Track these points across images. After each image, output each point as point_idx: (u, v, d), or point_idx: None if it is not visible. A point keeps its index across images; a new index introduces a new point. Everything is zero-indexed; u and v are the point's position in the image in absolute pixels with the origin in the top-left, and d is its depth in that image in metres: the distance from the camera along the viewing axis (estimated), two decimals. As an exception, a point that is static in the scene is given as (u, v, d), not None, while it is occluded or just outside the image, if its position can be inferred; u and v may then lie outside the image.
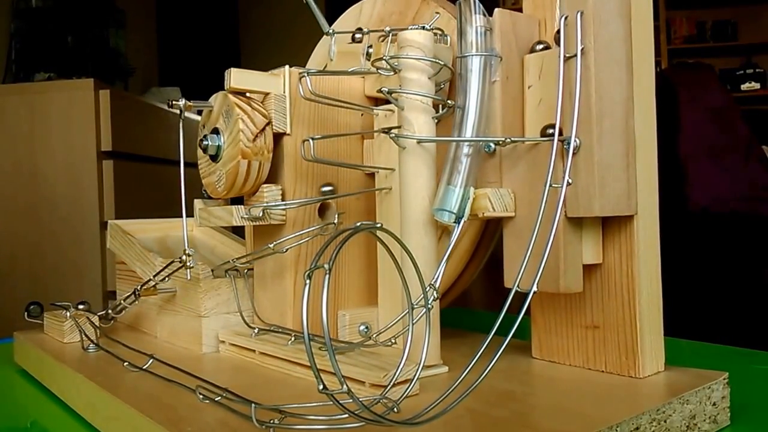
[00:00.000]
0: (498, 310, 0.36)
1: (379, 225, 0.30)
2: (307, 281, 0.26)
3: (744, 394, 0.44)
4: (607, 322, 0.42)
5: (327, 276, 0.26)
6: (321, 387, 0.26)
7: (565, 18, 0.40)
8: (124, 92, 1.77)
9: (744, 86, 3.61)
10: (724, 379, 0.40)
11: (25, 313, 0.62)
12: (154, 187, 1.67)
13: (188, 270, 0.48)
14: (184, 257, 0.47)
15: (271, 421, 0.32)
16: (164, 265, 0.54)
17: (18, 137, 1.50)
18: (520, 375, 0.43)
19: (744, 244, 1.55)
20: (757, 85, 3.62)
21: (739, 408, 0.41)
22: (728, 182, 1.69)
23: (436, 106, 0.44)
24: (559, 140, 0.39)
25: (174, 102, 0.46)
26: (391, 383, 0.35)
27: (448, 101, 0.44)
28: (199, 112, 0.51)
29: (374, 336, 0.43)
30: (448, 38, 0.48)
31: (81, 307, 0.57)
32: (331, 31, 0.53)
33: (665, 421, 0.36)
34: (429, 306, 0.37)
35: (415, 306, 0.36)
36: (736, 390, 0.41)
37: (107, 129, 1.48)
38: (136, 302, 0.56)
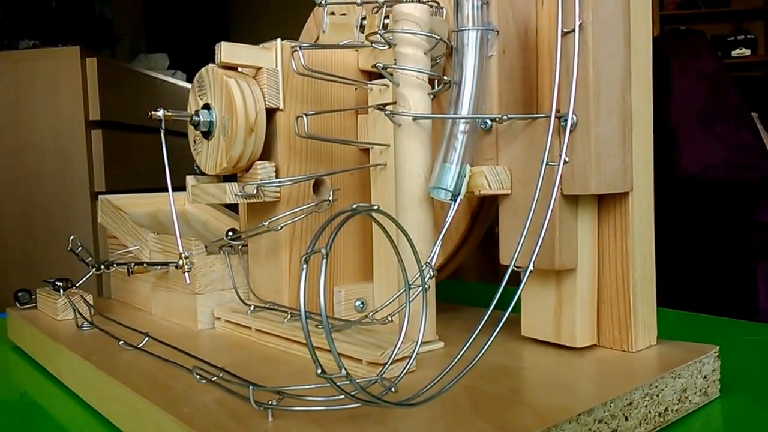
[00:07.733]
0: (489, 280, 0.36)
1: (375, 207, 0.30)
2: (304, 266, 0.26)
3: (733, 365, 0.44)
4: (600, 297, 0.43)
5: (324, 261, 0.26)
6: (319, 371, 0.26)
7: (563, -8, 0.39)
8: (111, 60, 1.74)
9: (735, 53, 3.59)
10: (715, 352, 0.40)
11: (16, 303, 0.62)
12: (145, 156, 1.65)
13: (186, 273, 0.48)
14: (180, 262, 0.47)
15: (269, 402, 0.32)
16: (161, 261, 0.54)
17: (3, 107, 1.48)
18: (513, 350, 0.44)
19: (732, 211, 1.56)
20: (748, 52, 3.60)
21: (728, 379, 0.42)
22: (718, 149, 1.70)
23: (431, 82, 0.43)
24: (555, 117, 0.38)
25: (153, 113, 0.45)
26: (389, 363, 0.35)
27: (444, 77, 0.43)
28: (190, 81, 0.50)
29: (371, 314, 0.43)
30: (444, 11, 0.47)
31: (59, 284, 0.57)
32: (323, 2, 0.52)
33: (657, 395, 0.36)
34: (426, 285, 0.37)
35: (412, 286, 0.36)
36: (726, 361, 0.41)
37: (95, 98, 1.46)
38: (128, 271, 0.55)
